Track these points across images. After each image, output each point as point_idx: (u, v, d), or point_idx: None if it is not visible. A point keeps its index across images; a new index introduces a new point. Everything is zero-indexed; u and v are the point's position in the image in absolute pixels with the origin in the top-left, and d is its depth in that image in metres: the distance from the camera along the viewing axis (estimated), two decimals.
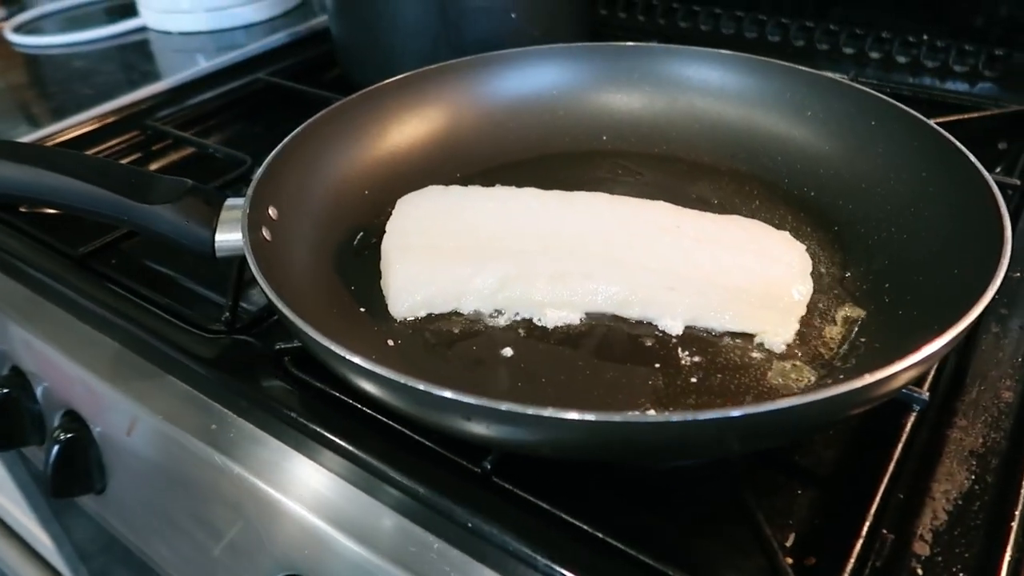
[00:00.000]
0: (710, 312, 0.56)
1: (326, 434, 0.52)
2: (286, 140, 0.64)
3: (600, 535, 0.44)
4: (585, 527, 0.45)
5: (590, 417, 0.38)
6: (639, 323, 0.57)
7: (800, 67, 0.75)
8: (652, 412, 0.49)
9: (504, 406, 0.39)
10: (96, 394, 0.63)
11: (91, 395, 0.64)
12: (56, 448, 0.63)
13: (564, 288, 0.57)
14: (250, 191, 0.57)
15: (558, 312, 0.57)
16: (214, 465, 0.55)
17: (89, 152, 0.89)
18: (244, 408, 0.56)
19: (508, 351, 0.55)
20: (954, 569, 0.42)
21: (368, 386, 0.45)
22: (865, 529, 0.43)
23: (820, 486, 0.49)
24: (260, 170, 0.60)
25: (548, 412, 0.38)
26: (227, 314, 0.61)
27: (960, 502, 0.45)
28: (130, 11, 1.25)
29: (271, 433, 0.55)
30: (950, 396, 0.53)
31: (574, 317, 0.57)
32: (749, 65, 0.77)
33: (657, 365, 0.54)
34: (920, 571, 0.42)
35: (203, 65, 1.07)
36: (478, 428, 0.42)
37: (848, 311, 0.57)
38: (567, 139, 0.80)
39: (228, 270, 0.68)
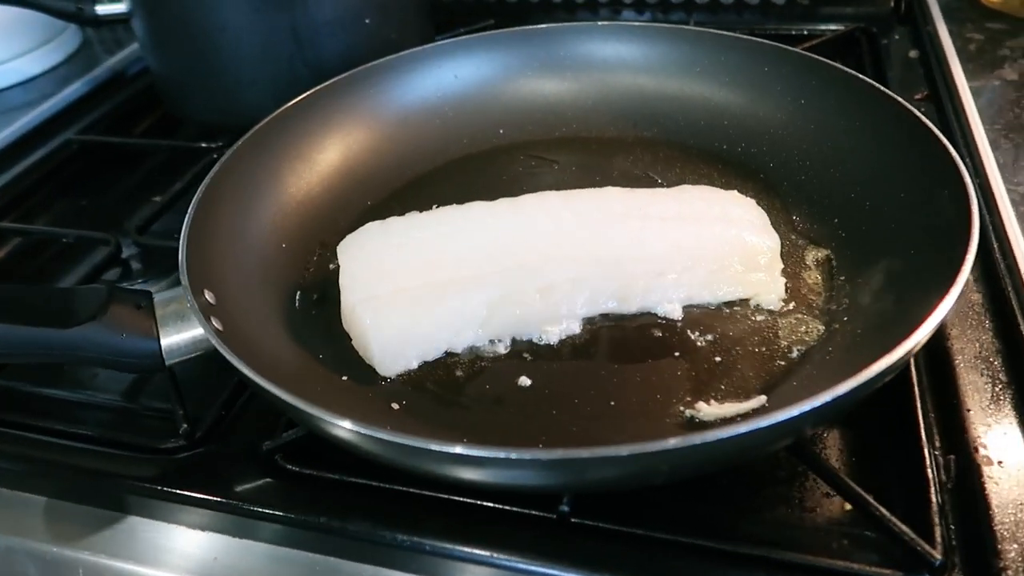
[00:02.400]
0: (703, 288, 0.56)
1: (371, 530, 0.46)
2: (189, 217, 0.55)
3: (694, 542, 0.43)
4: (678, 538, 0.43)
5: (696, 440, 0.36)
6: (638, 315, 0.56)
7: (681, 27, 0.76)
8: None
9: (586, 453, 0.36)
10: (37, 562, 0.52)
11: (32, 563, 0.52)
12: None
13: (557, 299, 0.54)
14: (184, 280, 0.49)
15: (557, 326, 0.54)
16: None
17: None
18: (250, 527, 0.48)
19: (525, 380, 0.52)
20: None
21: (429, 466, 0.40)
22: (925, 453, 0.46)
23: (848, 426, 0.51)
24: (181, 254, 0.51)
25: (649, 447, 0.36)
26: (184, 425, 0.52)
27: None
28: None
29: (293, 546, 0.48)
30: None
31: (574, 326, 0.55)
32: (627, 32, 0.77)
33: (676, 354, 0.53)
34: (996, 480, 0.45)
35: None
36: (563, 479, 0.39)
37: (814, 253, 0.59)
38: (465, 141, 0.76)
39: (124, 376, 0.58)
